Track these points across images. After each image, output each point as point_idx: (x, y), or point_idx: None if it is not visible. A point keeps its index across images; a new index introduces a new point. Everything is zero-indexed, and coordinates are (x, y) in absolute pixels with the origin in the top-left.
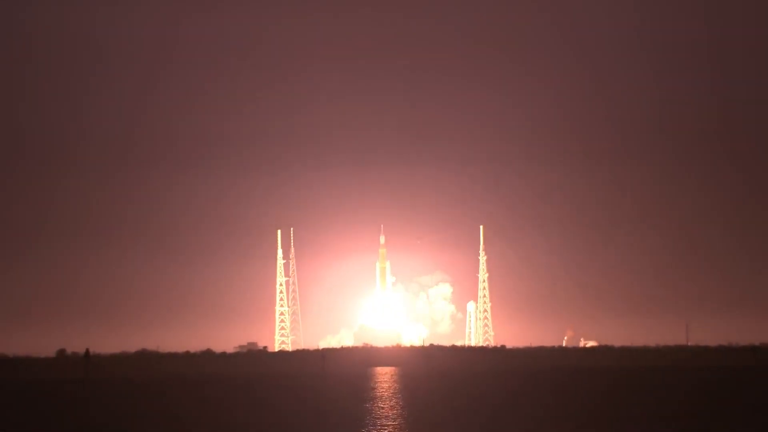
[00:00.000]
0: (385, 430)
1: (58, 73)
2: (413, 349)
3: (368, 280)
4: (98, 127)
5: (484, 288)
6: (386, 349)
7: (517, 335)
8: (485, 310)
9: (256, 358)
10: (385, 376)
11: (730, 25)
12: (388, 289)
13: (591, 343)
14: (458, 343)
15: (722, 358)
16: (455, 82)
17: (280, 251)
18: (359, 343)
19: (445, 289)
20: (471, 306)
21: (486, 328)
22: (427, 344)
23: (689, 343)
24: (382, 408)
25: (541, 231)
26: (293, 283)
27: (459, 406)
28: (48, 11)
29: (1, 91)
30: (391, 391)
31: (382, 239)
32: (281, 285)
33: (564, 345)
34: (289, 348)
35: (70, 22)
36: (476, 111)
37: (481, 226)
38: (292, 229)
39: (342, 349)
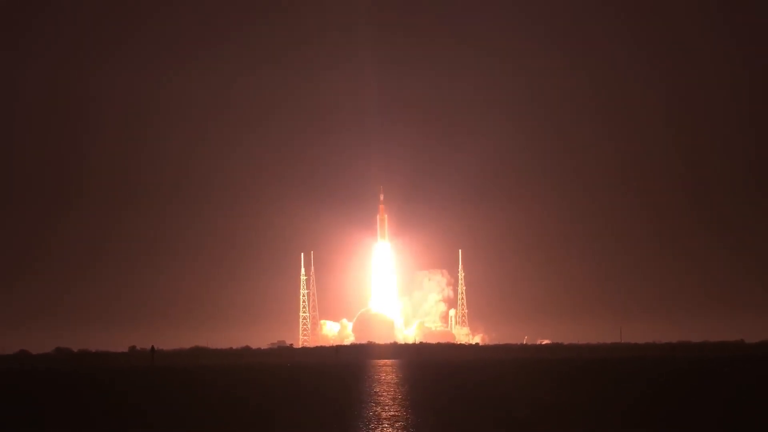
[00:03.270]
0: (392, 408)
1: (121, 125)
2: (407, 346)
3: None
4: (161, 170)
5: (462, 298)
6: (386, 346)
7: (489, 335)
8: (463, 315)
9: (284, 352)
10: (385, 367)
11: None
12: (386, 239)
13: (546, 341)
14: (443, 342)
15: (649, 352)
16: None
17: (302, 269)
18: (362, 337)
19: (438, 302)
20: (452, 312)
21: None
22: (418, 342)
23: (622, 341)
24: (386, 391)
25: (508, 255)
26: (313, 294)
27: (443, 386)
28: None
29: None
30: (392, 377)
31: (381, 197)
32: (304, 296)
33: (525, 343)
34: (310, 345)
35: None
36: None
37: (460, 250)
38: (312, 252)
39: (351, 345)
